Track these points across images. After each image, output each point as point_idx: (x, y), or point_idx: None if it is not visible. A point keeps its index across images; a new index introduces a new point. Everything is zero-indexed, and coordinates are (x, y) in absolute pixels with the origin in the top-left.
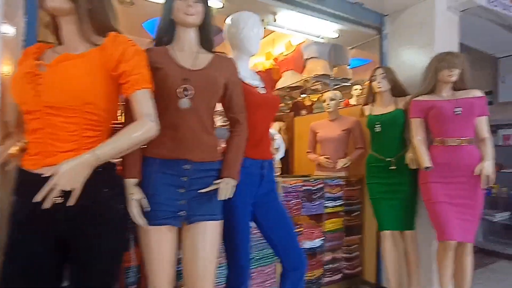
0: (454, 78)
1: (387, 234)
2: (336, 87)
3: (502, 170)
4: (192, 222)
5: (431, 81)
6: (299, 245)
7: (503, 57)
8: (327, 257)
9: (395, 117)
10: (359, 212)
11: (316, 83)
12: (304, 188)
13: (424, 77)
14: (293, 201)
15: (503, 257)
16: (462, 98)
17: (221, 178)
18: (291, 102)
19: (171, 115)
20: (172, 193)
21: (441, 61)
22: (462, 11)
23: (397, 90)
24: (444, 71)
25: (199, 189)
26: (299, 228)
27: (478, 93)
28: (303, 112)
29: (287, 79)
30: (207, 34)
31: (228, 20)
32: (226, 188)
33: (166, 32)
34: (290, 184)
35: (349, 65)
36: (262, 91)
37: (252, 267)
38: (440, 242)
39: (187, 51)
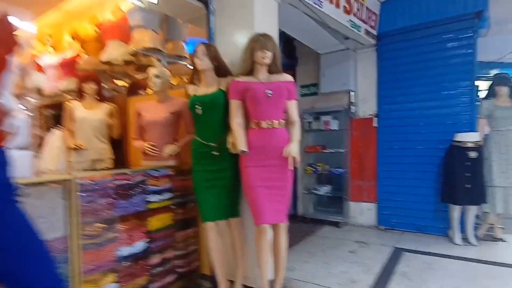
0: (267, 61)
1: (210, 225)
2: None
3: (324, 151)
4: None
5: (248, 62)
6: (51, 267)
7: (323, 53)
8: (155, 259)
9: (215, 98)
10: (193, 203)
11: (147, 57)
12: (117, 183)
13: (243, 58)
14: (99, 202)
15: (327, 223)
16: (273, 82)
17: None
18: (129, 81)
19: None
20: None
21: (255, 42)
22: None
23: (222, 70)
24: (258, 52)
25: None
26: (112, 233)
27: (288, 77)
28: (142, 92)
29: (113, 51)
30: None
31: None
32: None
33: None
34: (93, 181)
35: (185, 41)
36: None
37: None
38: (257, 226)
39: None
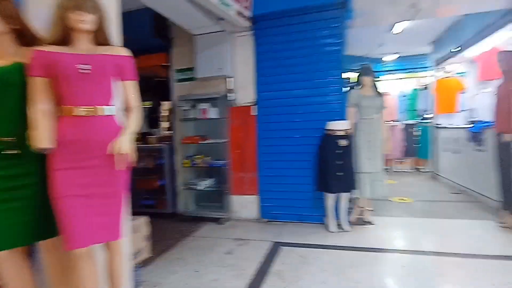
0: (86, 25)
1: (4, 255)
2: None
3: (203, 141)
4: None
5: (58, 28)
6: None
7: (198, 35)
8: None
9: (9, 74)
10: None
11: None
12: None
13: (52, 21)
14: None
15: (209, 220)
16: (96, 54)
17: None
18: None
19: None
20: None
21: (67, 0)
22: None
23: (27, 36)
24: (73, 13)
25: None
26: None
27: (121, 50)
28: None
29: None
30: None
31: None
32: None
33: None
34: None
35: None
36: None
37: None
38: (70, 252)
39: None
